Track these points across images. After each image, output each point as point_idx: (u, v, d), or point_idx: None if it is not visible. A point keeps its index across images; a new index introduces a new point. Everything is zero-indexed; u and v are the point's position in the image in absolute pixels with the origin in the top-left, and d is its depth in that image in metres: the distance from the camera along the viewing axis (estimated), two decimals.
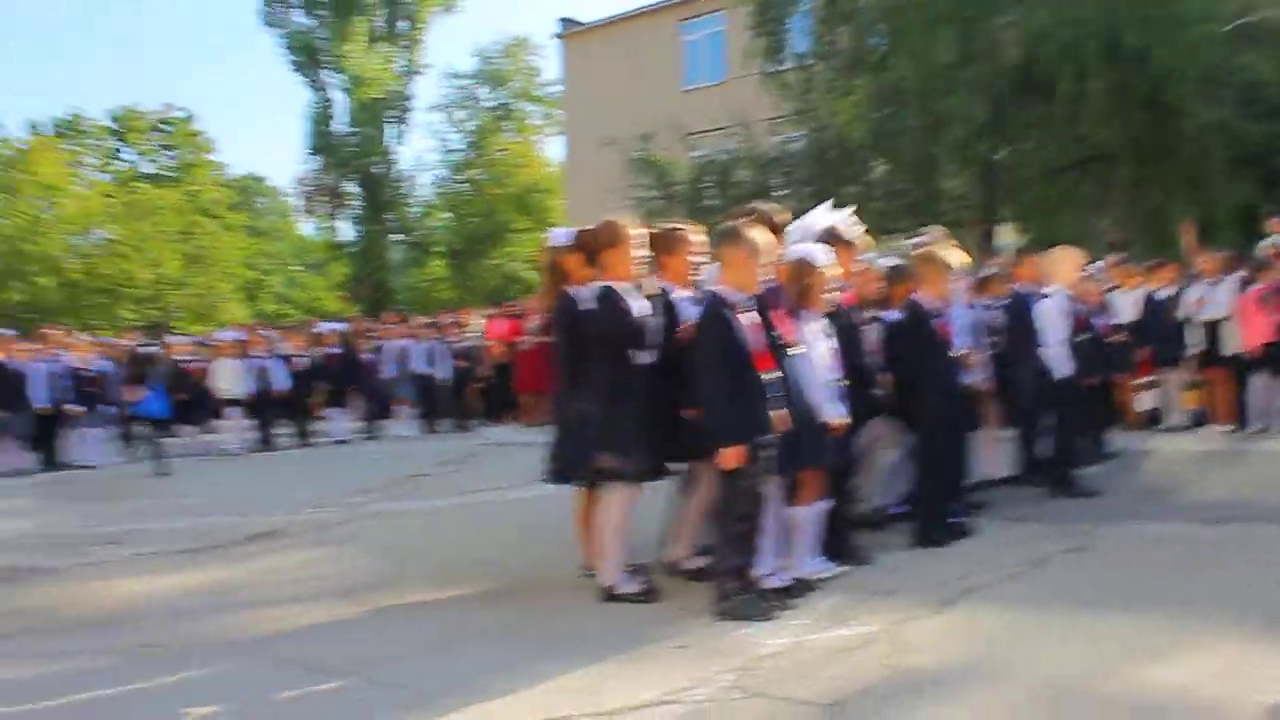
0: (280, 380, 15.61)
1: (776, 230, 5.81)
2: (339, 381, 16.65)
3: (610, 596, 5.51)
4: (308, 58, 43.49)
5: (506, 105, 46.52)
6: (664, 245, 5.90)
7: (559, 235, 6.06)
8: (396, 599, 5.85)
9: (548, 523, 7.87)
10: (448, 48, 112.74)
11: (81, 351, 14.93)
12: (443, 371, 17.26)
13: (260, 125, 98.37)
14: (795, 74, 22.27)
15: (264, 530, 8.15)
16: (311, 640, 5.11)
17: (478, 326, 19.04)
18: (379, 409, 17.11)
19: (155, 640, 5.23)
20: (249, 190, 61.37)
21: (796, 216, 6.41)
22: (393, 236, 46.15)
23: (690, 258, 5.94)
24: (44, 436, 14.21)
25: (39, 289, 39.67)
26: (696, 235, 6.01)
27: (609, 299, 5.47)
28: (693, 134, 25.13)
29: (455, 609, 5.65)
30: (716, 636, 4.77)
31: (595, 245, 5.67)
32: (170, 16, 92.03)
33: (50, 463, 14.06)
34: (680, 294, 5.80)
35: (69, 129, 49.24)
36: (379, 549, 7.37)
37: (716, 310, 5.14)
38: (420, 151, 54.20)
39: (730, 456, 5.03)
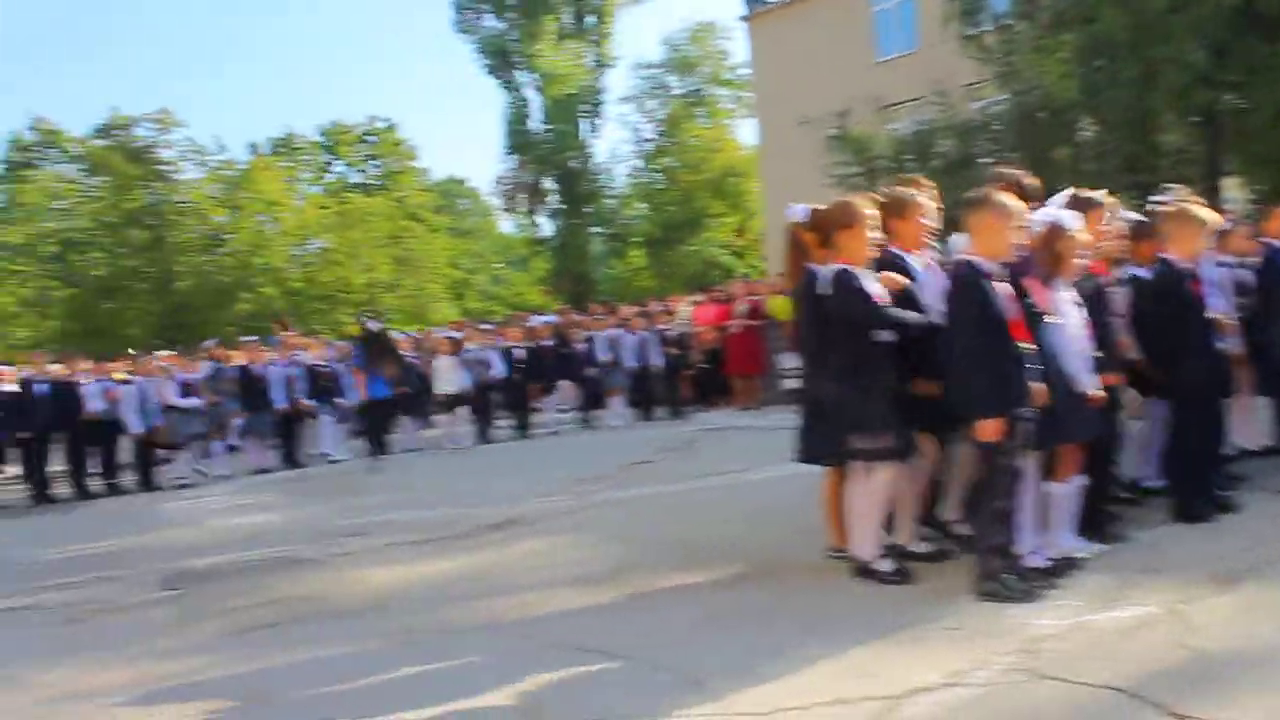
0: (499, 370, 15.96)
1: (1025, 196, 5.57)
2: (553, 373, 16.98)
3: (865, 572, 5.41)
4: (500, 60, 44.45)
5: (697, 91, 46.50)
6: (895, 210, 5.74)
7: (797, 211, 5.94)
8: (647, 584, 5.87)
9: (782, 506, 7.84)
10: (636, 39, 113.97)
11: (315, 350, 15.62)
12: (655, 360, 17.36)
13: (458, 128, 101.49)
14: (995, 35, 21.49)
15: (503, 520, 8.32)
16: (574, 624, 5.16)
17: (685, 313, 19.12)
18: (593, 399, 17.31)
19: (420, 625, 5.38)
20: (450, 193, 63.41)
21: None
22: (592, 229, 46.73)
23: (922, 221, 5.77)
24: (284, 435, 14.96)
25: (266, 298, 41.92)
26: (927, 196, 5.83)
27: (844, 283, 5.34)
28: (889, 106, 24.51)
29: (708, 593, 5.62)
30: (986, 617, 4.59)
31: (830, 226, 5.55)
32: (368, 31, 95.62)
33: (291, 460, 14.79)
34: (914, 260, 5.65)
35: (284, 146, 51.80)
36: (617, 535, 7.42)
37: (971, 278, 4.94)
38: (615, 143, 55.59)
39: (989, 429, 4.85)
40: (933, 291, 5.52)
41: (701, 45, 46.93)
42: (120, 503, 12.60)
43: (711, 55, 47.26)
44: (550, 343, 17.08)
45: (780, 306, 18.23)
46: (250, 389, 14.39)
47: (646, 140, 46.87)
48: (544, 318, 18.82)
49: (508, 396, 16.56)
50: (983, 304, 4.88)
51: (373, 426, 13.50)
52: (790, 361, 17.95)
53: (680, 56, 46.95)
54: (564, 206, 46.02)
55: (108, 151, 40.84)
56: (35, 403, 13.01)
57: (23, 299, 41.84)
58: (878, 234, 5.50)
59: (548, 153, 44.80)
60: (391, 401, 13.53)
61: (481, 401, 16.03)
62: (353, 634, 5.37)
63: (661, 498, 8.87)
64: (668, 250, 45.26)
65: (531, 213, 47.10)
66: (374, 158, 55.93)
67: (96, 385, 13.47)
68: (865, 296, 5.31)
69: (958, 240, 5.52)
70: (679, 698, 3.98)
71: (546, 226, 47.43)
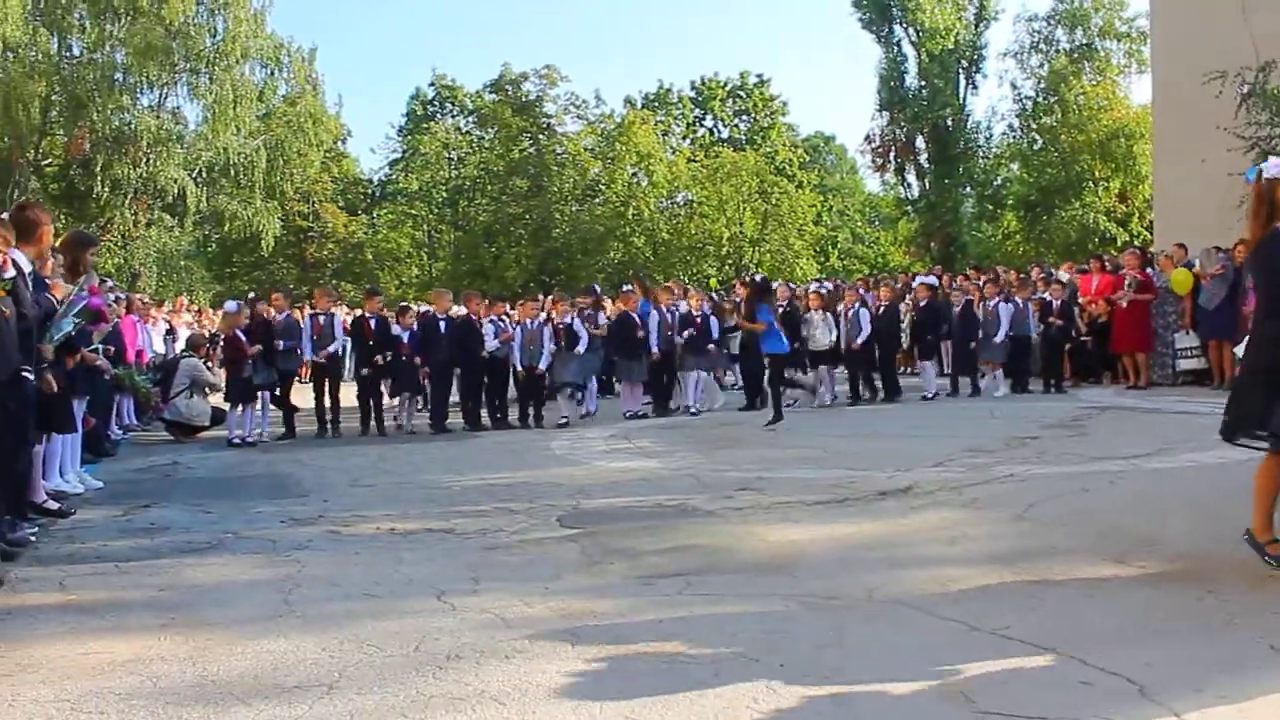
0: (866, 331, 15.64)
1: None
2: (929, 335, 16.49)
3: None
4: (879, 13, 43.44)
5: (1087, 45, 43.56)
6: None
7: (1277, 165, 5.33)
8: (1062, 571, 5.49)
9: (1194, 496, 7.21)
10: None
11: (694, 301, 15.84)
12: (1034, 330, 16.49)
13: (828, 83, 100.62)
14: None
15: (897, 486, 8.08)
16: (989, 607, 4.86)
17: (1066, 281, 18.02)
18: (968, 366, 16.65)
19: (821, 591, 5.25)
20: (818, 149, 62.96)
21: None
22: (963, 190, 45.08)
23: None
24: (656, 382, 15.30)
25: (635, 248, 43.30)
26: None
27: None
28: None
29: (1128, 589, 5.17)
30: None
31: None
32: None
33: (662, 408, 15.11)
34: None
35: (658, 101, 53.05)
36: (1019, 514, 7.02)
37: None
38: (992, 101, 52.94)
39: None
40: None
41: None
42: (508, 437, 13.29)
43: (1105, 6, 44.10)
44: (924, 303, 16.58)
45: (1180, 281, 16.90)
46: (626, 336, 14.80)
47: (1027, 97, 44.48)
48: (926, 278, 18.21)
49: (871, 357, 16.20)
50: None
51: (773, 380, 13.50)
52: (1184, 340, 16.57)
53: (1070, 8, 44.09)
54: (935, 165, 44.62)
55: (498, 105, 43.26)
56: (439, 338, 13.91)
57: (416, 241, 45.24)
58: None
59: (921, 110, 43.52)
60: (787, 356, 13.49)
61: (851, 359, 15.79)
62: (762, 591, 5.31)
63: (1059, 479, 8.32)
64: (1044, 215, 42.91)
65: (901, 171, 45.97)
66: (744, 113, 56.33)
67: (491, 325, 14.25)
68: None
69: None
70: (1129, 709, 3.63)
71: (915, 186, 46.18)
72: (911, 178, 45.89)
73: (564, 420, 14.10)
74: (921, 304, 16.66)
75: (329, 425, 13.88)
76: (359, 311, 16.33)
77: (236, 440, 12.89)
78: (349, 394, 14.26)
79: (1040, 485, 8.05)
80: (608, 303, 17.10)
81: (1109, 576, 5.39)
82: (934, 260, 43.12)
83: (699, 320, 15.30)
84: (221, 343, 14.45)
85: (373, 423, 13.94)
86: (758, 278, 14.90)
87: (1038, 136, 44.38)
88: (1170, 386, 16.34)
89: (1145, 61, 40.38)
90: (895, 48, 43.80)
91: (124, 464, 11.28)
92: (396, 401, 14.50)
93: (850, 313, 15.72)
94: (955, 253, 43.71)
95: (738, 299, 16.44)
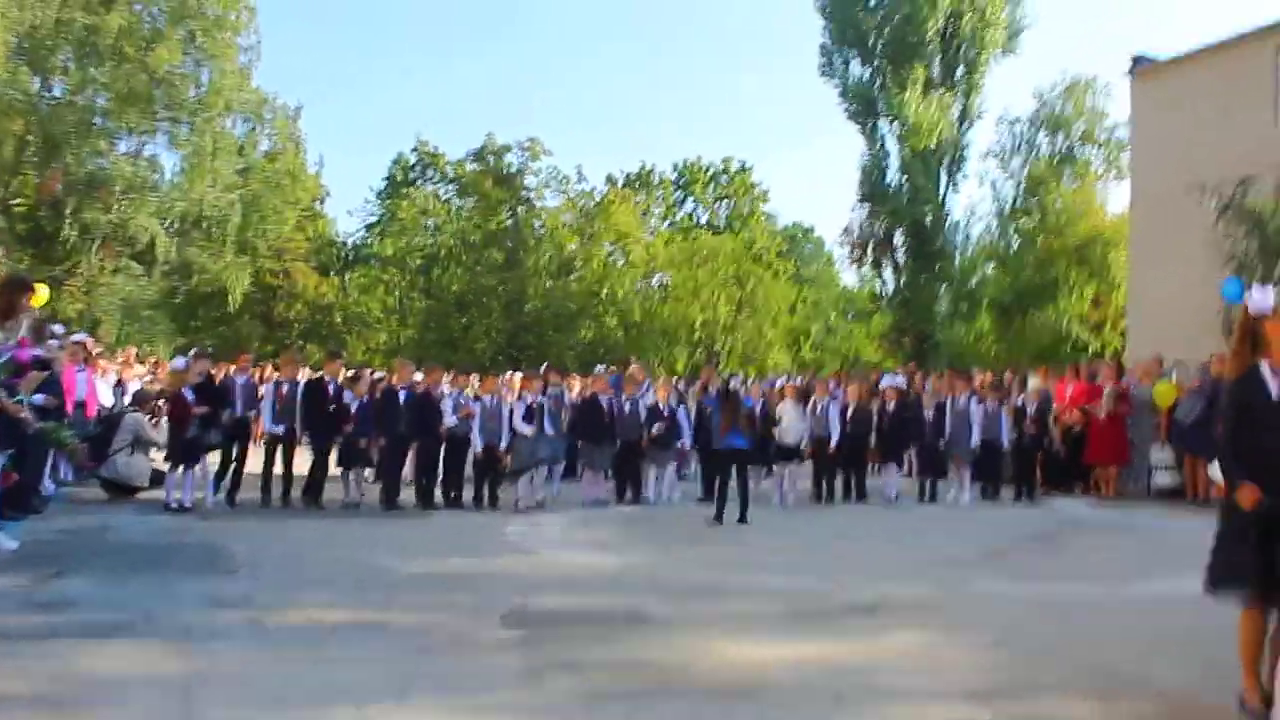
0: (836, 428, 15.23)
1: None
2: (896, 439, 16.08)
3: None
4: (863, 107, 43.70)
5: (1068, 150, 43.94)
6: None
7: (1262, 298, 4.98)
8: (1048, 709, 5.02)
9: (1181, 632, 6.77)
10: (1005, 92, 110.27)
11: (661, 392, 15.40)
12: (1005, 435, 16.12)
13: (807, 175, 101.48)
14: None
15: (865, 602, 7.59)
16: None
17: (1034, 387, 17.74)
18: (935, 469, 16.25)
19: None
20: (796, 240, 63.13)
21: None
22: (939, 288, 45.10)
23: None
24: (620, 470, 14.79)
25: (606, 328, 42.99)
26: None
27: None
28: None
29: None
30: None
31: None
32: (725, 70, 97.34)
33: (624, 496, 14.59)
34: None
35: (640, 182, 53.15)
36: (998, 640, 6.56)
37: None
38: (972, 201, 52.98)
39: None
40: None
41: (1076, 102, 44.34)
42: (461, 518, 12.71)
43: (1086, 113, 44.58)
44: (891, 406, 16.19)
45: (1163, 393, 16.65)
46: (596, 420, 14.32)
47: (1007, 198, 44.76)
48: (894, 379, 17.86)
49: (839, 455, 15.76)
50: None
51: (723, 476, 12.95)
52: (1160, 455, 16.24)
53: (1051, 113, 44.55)
54: (912, 262, 44.66)
55: (480, 175, 43.15)
56: (397, 411, 13.36)
57: (386, 306, 44.79)
58: None
59: (901, 205, 43.66)
60: (742, 453, 12.97)
61: (819, 456, 15.36)
62: None
63: (1036, 602, 7.88)
64: (1018, 317, 42.93)
65: (878, 266, 45.99)
66: (725, 198, 56.53)
67: (451, 400, 13.75)
68: None
69: None
70: None
71: (891, 281, 46.23)
72: (888, 273, 45.91)
73: (520, 505, 13.52)
74: (889, 407, 16.26)
75: (279, 495, 13.23)
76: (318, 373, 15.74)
77: (174, 505, 12.24)
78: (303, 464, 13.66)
79: (1017, 609, 7.60)
80: (575, 382, 16.59)
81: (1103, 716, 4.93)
82: (906, 357, 42.94)
83: (666, 415, 14.85)
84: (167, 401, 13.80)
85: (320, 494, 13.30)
86: (731, 382, 14.47)
87: (1015, 238, 44.61)
88: (1144, 500, 16.04)
89: (1123, 169, 40.85)
90: (879, 142, 44.01)
91: (50, 523, 10.63)
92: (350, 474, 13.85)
93: (820, 409, 15.29)
94: (928, 350, 43.55)
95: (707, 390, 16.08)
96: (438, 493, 13.62)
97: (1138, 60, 31.35)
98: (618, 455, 14.60)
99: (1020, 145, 44.91)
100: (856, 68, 44.38)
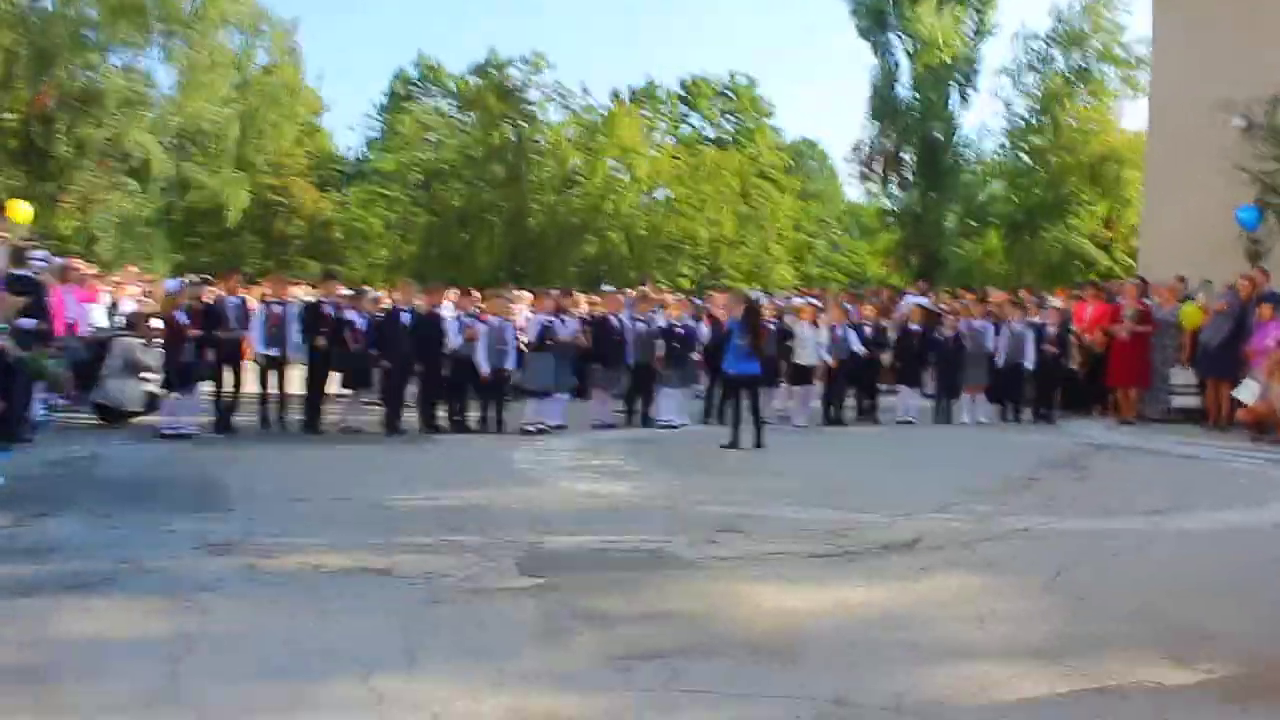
0: (855, 347, 14.76)
1: None
2: (916, 358, 15.61)
3: None
4: (875, 20, 42.58)
5: (1084, 68, 42.73)
6: None
7: None
8: (1117, 673, 4.56)
9: (1240, 572, 6.39)
10: (1020, 6, 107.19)
11: (674, 311, 14.87)
12: (1027, 357, 15.67)
13: (815, 89, 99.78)
14: None
15: (901, 539, 7.14)
16: None
17: (1055, 307, 17.19)
18: (951, 389, 15.79)
19: (834, 692, 4.27)
20: (802, 155, 62.11)
21: None
22: (948, 205, 44.27)
23: None
24: (633, 394, 14.33)
25: (610, 244, 42.23)
26: None
27: None
28: None
29: (1212, 707, 4.26)
30: None
31: None
32: None
33: (638, 419, 14.15)
34: None
35: (645, 96, 51.98)
36: (1046, 584, 6.11)
37: None
38: (984, 118, 51.41)
39: None
40: None
41: (1095, 19, 43.02)
42: (466, 444, 12.25)
43: (1104, 29, 43.30)
44: (917, 328, 15.68)
45: (1190, 315, 16.13)
46: (608, 341, 13.80)
47: (1020, 116, 43.69)
48: (916, 298, 17.32)
49: (860, 376, 15.30)
50: None
51: (736, 400, 12.48)
52: (1181, 377, 15.78)
53: (1069, 29, 43.27)
54: (922, 179, 43.79)
55: (481, 89, 42.08)
56: (400, 332, 12.84)
57: (387, 222, 44.05)
58: None
59: (913, 121, 42.68)
60: (757, 378, 12.48)
61: (837, 379, 14.89)
62: (763, 690, 4.33)
63: (1079, 537, 7.45)
64: (1027, 235, 42.16)
65: (886, 182, 45.11)
66: (730, 113, 55.44)
67: (456, 321, 13.22)
68: None
69: None
70: None
71: (899, 198, 45.37)
72: (896, 189, 45.06)
73: (530, 427, 13.06)
74: (912, 327, 15.74)
75: (276, 420, 12.81)
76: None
77: (168, 431, 11.79)
78: (299, 384, 13.20)
79: (1061, 544, 7.15)
80: (581, 301, 15.97)
81: (1177, 686, 4.47)
82: (914, 274, 42.28)
83: (681, 331, 14.32)
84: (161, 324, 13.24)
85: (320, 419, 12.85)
86: (752, 297, 13.89)
87: (1027, 156, 43.70)
88: (1163, 423, 15.65)
89: (1140, 88, 39.93)
90: (890, 57, 42.93)
91: (39, 453, 10.17)
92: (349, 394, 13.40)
93: (838, 332, 14.76)
94: (935, 268, 42.92)
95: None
96: (442, 415, 13.17)
97: None
98: (631, 377, 14.13)
99: (1035, 62, 43.73)
100: None
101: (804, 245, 54.14)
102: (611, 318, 14.02)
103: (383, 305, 13.96)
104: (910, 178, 44.32)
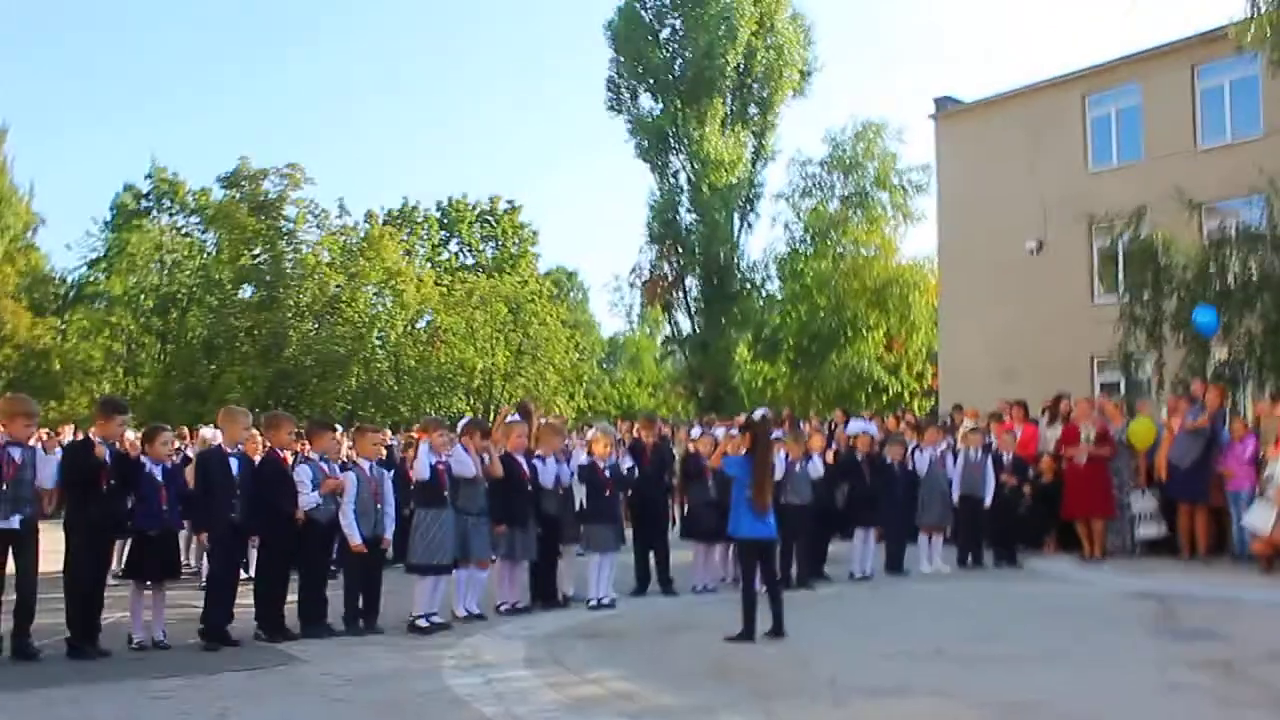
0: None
1: None
2: (869, 496, 12.60)
3: None
4: (656, 141, 41.03)
5: (863, 193, 42.18)
6: None
7: None
8: None
9: None
10: (798, 135, 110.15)
11: (599, 446, 11.09)
12: (987, 490, 13.25)
13: (564, 217, 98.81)
14: None
15: None
16: None
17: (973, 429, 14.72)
18: (903, 535, 12.96)
19: None
20: (560, 284, 59.83)
21: None
22: (737, 332, 42.52)
23: None
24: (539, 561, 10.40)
25: (377, 374, 38.16)
26: None
27: None
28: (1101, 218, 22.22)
29: None
30: None
31: None
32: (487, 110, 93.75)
33: (543, 598, 10.27)
34: None
35: (403, 219, 48.56)
36: None
37: None
38: (767, 242, 50.43)
39: None
40: None
41: (868, 145, 42.62)
42: (346, 657, 7.97)
43: (876, 156, 43.01)
44: (861, 458, 12.64)
45: (1141, 433, 14.16)
46: (513, 490, 9.88)
47: (800, 240, 42.62)
48: (864, 424, 14.35)
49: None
50: None
51: (749, 574, 8.75)
52: (1141, 503, 13.24)
53: (843, 154, 42.76)
54: (706, 304, 41.96)
55: (231, 202, 37.41)
56: (229, 487, 8.50)
57: (112, 353, 38.43)
58: None
59: (696, 245, 40.90)
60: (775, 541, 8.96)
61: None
62: None
63: None
64: (818, 360, 40.62)
65: (669, 308, 43.01)
66: (491, 239, 52.61)
67: (307, 469, 8.95)
68: None
69: None
70: None
71: (683, 324, 43.42)
72: (681, 315, 43.08)
73: (423, 622, 8.94)
74: (859, 459, 12.63)
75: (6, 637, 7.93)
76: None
77: None
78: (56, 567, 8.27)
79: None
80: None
81: None
82: (702, 403, 40.11)
83: (608, 475, 10.64)
84: None
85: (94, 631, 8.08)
86: (757, 414, 10.21)
87: (810, 281, 42.54)
88: (1133, 558, 13.68)
89: (911, 215, 40.33)
90: (671, 179, 41.33)
91: None
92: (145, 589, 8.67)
93: (799, 468, 11.30)
94: (725, 395, 40.94)
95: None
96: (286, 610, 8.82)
97: (941, 102, 29.67)
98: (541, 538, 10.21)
99: (812, 188, 43.00)
100: (648, 101, 42.38)
101: (575, 376, 51.31)
102: (515, 457, 10.12)
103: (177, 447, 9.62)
104: (693, 303, 42.59)
